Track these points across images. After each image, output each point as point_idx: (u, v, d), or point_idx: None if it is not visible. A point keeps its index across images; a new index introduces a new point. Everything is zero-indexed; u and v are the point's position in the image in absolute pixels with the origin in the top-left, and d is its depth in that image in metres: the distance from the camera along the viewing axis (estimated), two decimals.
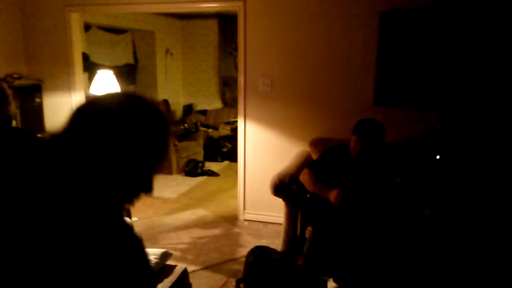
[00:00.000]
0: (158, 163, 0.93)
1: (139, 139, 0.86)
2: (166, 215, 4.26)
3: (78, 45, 4.42)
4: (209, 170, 5.84)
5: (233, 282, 2.88)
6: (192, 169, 5.74)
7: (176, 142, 6.03)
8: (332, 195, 2.67)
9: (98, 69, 4.36)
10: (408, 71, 3.45)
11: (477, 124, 3.38)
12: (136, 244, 0.87)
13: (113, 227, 0.85)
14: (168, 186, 5.23)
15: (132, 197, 0.92)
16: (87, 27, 5.68)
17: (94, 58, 5.86)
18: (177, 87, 7.88)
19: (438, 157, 2.99)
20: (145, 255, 0.88)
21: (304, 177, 2.85)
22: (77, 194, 0.82)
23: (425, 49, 3.37)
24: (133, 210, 3.82)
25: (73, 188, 0.83)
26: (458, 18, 3.26)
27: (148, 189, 0.93)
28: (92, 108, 0.87)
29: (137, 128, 0.86)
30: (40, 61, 4.43)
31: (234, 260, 3.27)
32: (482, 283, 2.44)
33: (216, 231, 3.85)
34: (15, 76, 4.21)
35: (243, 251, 3.25)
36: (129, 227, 0.89)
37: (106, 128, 0.83)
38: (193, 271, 3.04)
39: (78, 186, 0.83)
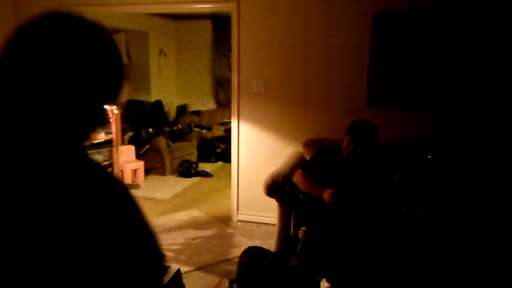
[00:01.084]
0: (112, 94, 0.79)
1: (90, 65, 0.74)
2: (159, 216, 4.25)
3: None
4: (203, 171, 5.83)
5: (226, 283, 2.88)
6: (186, 170, 5.74)
7: (170, 143, 6.01)
8: (326, 194, 2.68)
9: None
10: (401, 72, 3.47)
11: (469, 125, 3.41)
12: (118, 187, 0.74)
13: (84, 171, 0.72)
14: (162, 187, 5.22)
15: (87, 132, 0.79)
16: None
17: None
18: (171, 87, 7.87)
19: (429, 156, 3.01)
20: (134, 201, 0.75)
21: (297, 178, 2.86)
22: (27, 137, 0.71)
23: (418, 50, 3.40)
24: None
25: (19, 130, 0.71)
26: (450, 19, 3.29)
27: (102, 121, 0.80)
28: (30, 34, 0.74)
29: (82, 51, 0.73)
30: None
31: (227, 260, 3.27)
32: (474, 282, 2.46)
33: (209, 232, 3.84)
34: None
35: (237, 252, 3.25)
36: (102, 167, 0.77)
37: (48, 56, 0.71)
38: (187, 271, 3.04)
39: (25, 127, 0.71)
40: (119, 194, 0.74)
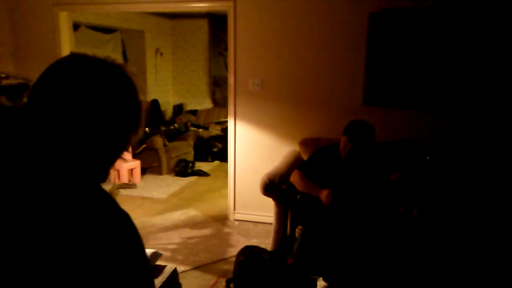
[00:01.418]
0: (133, 129, 0.84)
1: (109, 104, 0.78)
2: (156, 215, 4.24)
3: (67, 44, 4.38)
4: (200, 170, 5.83)
5: (223, 282, 2.88)
6: (182, 169, 5.73)
7: (166, 142, 6.00)
8: (323, 195, 2.68)
9: None
10: (398, 71, 3.48)
11: (467, 124, 3.42)
12: (126, 222, 0.79)
13: (99, 205, 0.77)
14: (158, 186, 5.21)
15: (109, 166, 0.84)
16: (76, 26, 5.63)
17: None
18: (167, 87, 7.86)
19: (427, 158, 3.01)
20: (137, 235, 0.80)
21: (294, 178, 2.86)
22: (51, 169, 0.75)
23: (414, 49, 3.41)
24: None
25: (46, 162, 0.75)
26: (447, 18, 3.30)
27: (123, 152, 0.85)
28: (58, 75, 0.78)
29: (106, 91, 0.78)
30: (28, 60, 4.38)
31: (224, 260, 3.27)
32: (470, 280, 2.47)
33: (206, 231, 3.84)
34: (2, 75, 4.16)
35: (233, 251, 3.25)
36: (116, 203, 0.81)
37: (74, 95, 0.76)
38: (183, 271, 3.04)
39: (51, 159, 0.76)
40: (125, 233, 0.78)
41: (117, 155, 0.84)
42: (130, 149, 5.49)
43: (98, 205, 0.77)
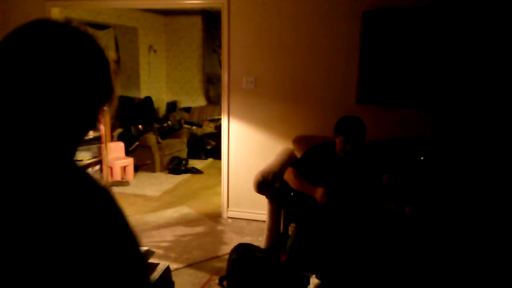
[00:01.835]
0: (102, 102, 0.78)
1: (76, 73, 0.72)
2: (148, 213, 4.23)
3: None
4: (193, 167, 5.81)
5: (216, 280, 2.88)
6: (176, 167, 5.71)
7: (160, 140, 5.98)
8: (318, 194, 2.68)
9: None
10: (391, 70, 3.49)
11: (461, 122, 3.44)
12: (104, 196, 0.73)
13: (74, 181, 0.72)
14: (151, 184, 5.20)
15: (80, 137, 0.78)
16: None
17: None
18: (161, 84, 7.83)
19: (422, 158, 3.03)
20: (118, 209, 0.75)
21: (288, 176, 2.86)
22: (15, 144, 0.69)
23: (408, 47, 3.42)
24: None
25: (8, 138, 0.70)
26: (440, 16, 3.32)
27: (95, 125, 0.79)
28: (20, 40, 0.72)
29: (72, 59, 0.72)
30: None
31: (217, 257, 3.26)
32: (462, 277, 2.49)
33: (199, 229, 3.83)
34: None
35: (227, 249, 3.25)
36: (92, 178, 0.75)
37: (38, 62, 0.69)
38: (176, 269, 3.03)
39: (14, 134, 0.70)
40: (103, 200, 0.74)
41: (86, 130, 0.78)
42: (124, 145, 5.47)
43: (72, 180, 0.72)
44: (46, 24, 0.74)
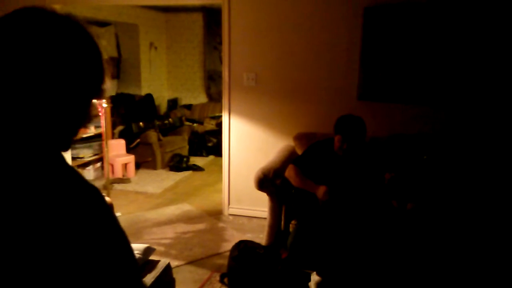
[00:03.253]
0: (94, 93, 0.76)
1: (67, 63, 0.70)
2: (150, 210, 4.23)
3: None
4: (194, 164, 5.81)
5: (217, 277, 2.88)
6: (177, 164, 5.71)
7: (161, 137, 5.98)
8: (320, 192, 2.67)
9: None
10: (392, 66, 3.47)
11: (463, 118, 3.43)
12: (93, 195, 0.71)
13: (63, 178, 0.69)
14: (153, 181, 5.20)
15: (75, 129, 0.76)
16: None
17: None
18: (162, 81, 7.82)
19: (425, 157, 3.01)
20: (107, 208, 0.72)
21: (289, 173, 2.85)
22: (4, 137, 0.67)
23: (409, 43, 3.40)
24: (116, 205, 3.78)
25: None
26: (441, 12, 3.30)
27: (89, 117, 0.76)
28: (8, 28, 0.69)
29: (63, 48, 0.70)
30: None
31: (218, 254, 3.26)
32: (463, 273, 2.49)
33: (200, 226, 3.84)
34: None
35: (228, 246, 3.25)
36: (80, 176, 0.72)
37: (28, 51, 0.67)
38: (177, 266, 3.03)
39: (5, 127, 0.68)
40: (91, 198, 0.72)
41: (79, 122, 0.76)
42: (124, 143, 5.47)
43: (59, 178, 0.69)
44: (35, 12, 0.72)
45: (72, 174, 0.72)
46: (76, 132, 0.77)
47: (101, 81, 0.77)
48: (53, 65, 0.69)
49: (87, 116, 0.77)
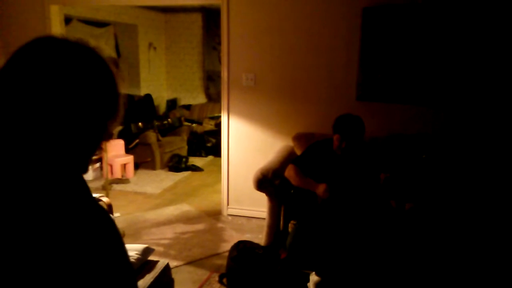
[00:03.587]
0: (111, 116, 0.79)
1: (84, 90, 0.73)
2: (149, 210, 4.23)
3: None
4: (193, 165, 5.81)
5: (216, 277, 2.88)
6: (176, 164, 5.71)
7: (160, 137, 5.98)
8: (320, 190, 2.67)
9: None
10: (391, 66, 3.48)
11: (462, 118, 3.43)
12: (103, 219, 0.75)
13: (75, 201, 0.73)
14: (152, 181, 5.20)
15: (88, 158, 0.80)
16: (67, 20, 5.57)
17: None
18: (161, 81, 7.82)
19: (423, 156, 3.02)
20: (116, 232, 0.76)
21: (289, 173, 2.85)
22: (24, 161, 0.70)
23: (408, 44, 3.40)
24: (115, 205, 3.78)
25: (19, 155, 0.70)
26: (440, 13, 3.30)
27: (104, 139, 0.80)
28: (28, 60, 0.72)
29: (80, 76, 0.73)
30: None
31: (217, 255, 3.27)
32: (461, 273, 2.49)
33: (199, 226, 3.84)
34: None
35: (227, 246, 3.25)
36: (93, 199, 0.76)
37: (47, 80, 0.70)
38: (176, 266, 3.03)
39: (24, 152, 0.71)
40: (100, 219, 0.75)
41: (96, 145, 0.79)
42: (121, 142, 5.46)
43: (74, 201, 0.73)
44: (49, 42, 0.75)
45: (86, 197, 0.75)
46: (93, 154, 0.80)
47: (116, 103, 0.80)
48: (72, 93, 0.72)
49: (104, 136, 0.80)
